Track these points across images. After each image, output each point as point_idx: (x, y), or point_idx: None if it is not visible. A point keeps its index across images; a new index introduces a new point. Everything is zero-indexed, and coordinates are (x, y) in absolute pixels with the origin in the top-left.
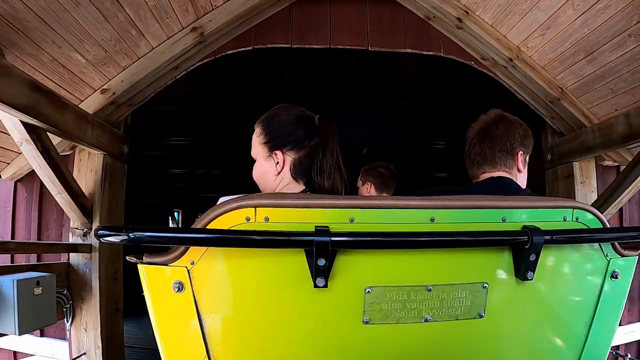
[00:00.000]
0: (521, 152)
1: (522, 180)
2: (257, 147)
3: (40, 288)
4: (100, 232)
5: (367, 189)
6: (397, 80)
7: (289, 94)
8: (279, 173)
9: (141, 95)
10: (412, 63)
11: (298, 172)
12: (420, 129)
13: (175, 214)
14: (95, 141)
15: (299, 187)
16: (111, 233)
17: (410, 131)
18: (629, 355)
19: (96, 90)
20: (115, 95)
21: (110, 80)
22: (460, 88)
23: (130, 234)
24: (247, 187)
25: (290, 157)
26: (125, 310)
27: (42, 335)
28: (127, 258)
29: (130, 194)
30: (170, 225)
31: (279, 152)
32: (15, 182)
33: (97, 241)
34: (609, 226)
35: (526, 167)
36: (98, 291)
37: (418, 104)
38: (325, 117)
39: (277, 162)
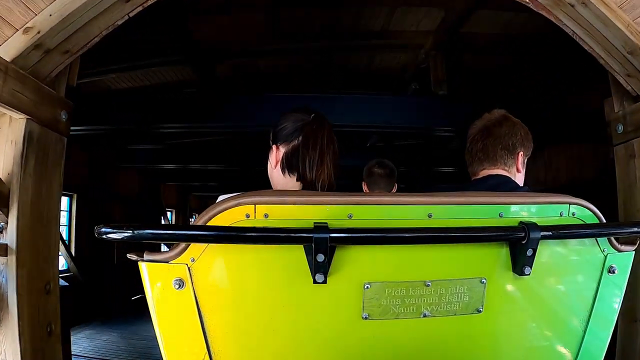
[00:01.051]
0: (522, 152)
1: (519, 180)
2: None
3: None
4: (102, 229)
5: (364, 188)
6: (408, 61)
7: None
8: (275, 166)
9: (80, 38)
10: (425, 40)
11: (286, 165)
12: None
13: (169, 214)
14: (10, 98)
15: (292, 180)
16: (113, 230)
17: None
18: None
19: (18, 30)
20: (41, 34)
21: (35, 15)
22: (467, 79)
23: (132, 232)
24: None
25: (282, 151)
26: (110, 318)
27: None
28: (128, 256)
29: (107, 192)
30: None
31: (274, 146)
32: None
33: (14, 240)
34: (605, 221)
35: (524, 168)
36: (16, 309)
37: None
38: (319, 116)
39: (274, 156)
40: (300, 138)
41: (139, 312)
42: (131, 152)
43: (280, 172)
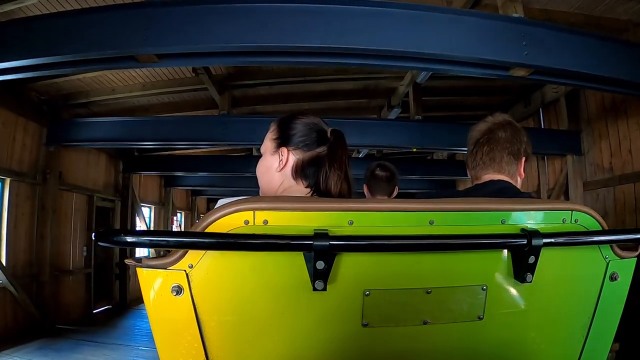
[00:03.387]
0: (524, 157)
1: (519, 185)
2: (267, 142)
3: None
4: (97, 236)
5: (365, 191)
6: None
7: None
8: (281, 169)
9: None
10: None
11: (300, 173)
12: None
13: (147, 210)
14: None
15: (301, 188)
16: (109, 237)
17: None
18: None
19: None
20: None
21: None
22: None
23: (128, 238)
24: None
25: (294, 157)
26: (57, 337)
27: None
28: (126, 262)
29: (60, 179)
30: (138, 225)
31: (284, 149)
32: None
33: None
34: (607, 228)
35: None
36: None
37: None
38: (337, 130)
39: (281, 159)
40: (320, 150)
41: (99, 327)
42: (94, 125)
43: (291, 177)
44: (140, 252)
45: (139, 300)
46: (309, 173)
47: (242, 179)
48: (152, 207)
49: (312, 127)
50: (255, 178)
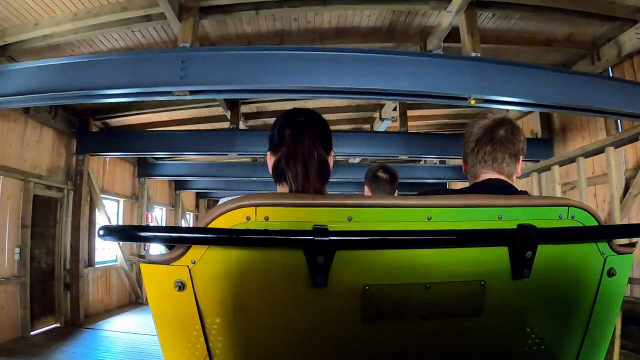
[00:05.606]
0: (522, 157)
1: (515, 184)
2: None
3: None
4: (103, 231)
5: (366, 191)
6: None
7: None
8: (271, 172)
9: None
10: None
11: (276, 174)
12: None
13: (115, 204)
14: None
15: (285, 189)
16: (114, 232)
17: None
18: None
19: None
20: None
21: None
22: None
23: (132, 233)
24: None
25: (272, 160)
26: None
27: None
28: (130, 257)
29: None
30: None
31: (269, 153)
32: None
33: None
34: (604, 224)
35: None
36: None
37: None
38: (301, 122)
39: (268, 162)
40: (282, 149)
41: (35, 357)
42: (8, 75)
43: (275, 181)
44: (101, 256)
45: (98, 316)
46: (280, 174)
47: (232, 166)
48: (121, 200)
49: (282, 125)
50: (249, 164)
